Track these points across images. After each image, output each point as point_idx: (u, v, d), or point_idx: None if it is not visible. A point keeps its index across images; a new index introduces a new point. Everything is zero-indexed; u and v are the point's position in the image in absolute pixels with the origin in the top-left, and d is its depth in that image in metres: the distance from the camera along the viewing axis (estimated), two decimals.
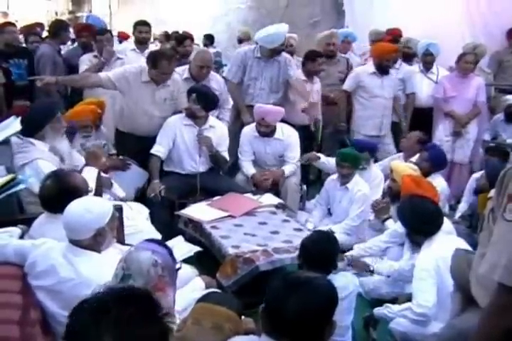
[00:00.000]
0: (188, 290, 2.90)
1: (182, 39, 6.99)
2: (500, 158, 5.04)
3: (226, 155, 5.02)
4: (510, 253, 1.56)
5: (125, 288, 1.55)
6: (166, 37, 10.96)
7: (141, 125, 4.95)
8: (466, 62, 5.98)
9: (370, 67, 6.10)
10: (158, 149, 4.82)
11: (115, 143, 5.22)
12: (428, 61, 6.44)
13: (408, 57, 6.73)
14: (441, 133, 6.06)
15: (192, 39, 7.26)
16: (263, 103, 5.40)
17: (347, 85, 6.17)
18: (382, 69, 5.99)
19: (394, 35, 7.06)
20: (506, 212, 1.61)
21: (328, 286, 1.97)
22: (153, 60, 4.80)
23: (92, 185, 3.49)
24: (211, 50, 8.68)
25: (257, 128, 5.16)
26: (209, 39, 10.82)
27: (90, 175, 3.61)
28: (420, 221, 3.54)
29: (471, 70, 6.03)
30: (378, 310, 3.44)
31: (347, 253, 4.30)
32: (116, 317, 1.38)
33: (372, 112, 6.06)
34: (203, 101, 4.78)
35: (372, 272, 3.98)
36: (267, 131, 5.12)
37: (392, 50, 6.12)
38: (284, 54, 5.74)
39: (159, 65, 4.76)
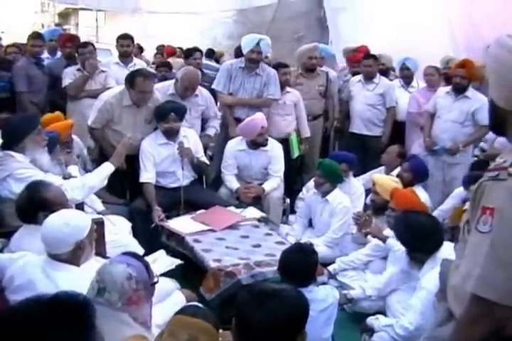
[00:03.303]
0: (169, 304, 2.89)
1: (191, 52, 7.09)
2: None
3: (205, 159, 5.07)
4: (482, 265, 1.59)
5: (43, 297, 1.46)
6: (139, 49, 11.05)
7: None
8: (426, 75, 6.17)
9: (447, 87, 5.81)
10: (148, 177, 4.81)
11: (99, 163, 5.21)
12: (406, 75, 6.51)
13: (382, 73, 6.69)
14: (418, 149, 5.88)
15: (201, 52, 7.29)
16: (245, 115, 5.45)
17: (429, 106, 5.86)
18: (455, 88, 5.61)
19: (362, 52, 6.99)
20: (480, 224, 1.64)
21: (296, 297, 1.96)
22: (130, 79, 4.80)
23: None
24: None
25: (256, 142, 5.16)
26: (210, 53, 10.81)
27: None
28: (417, 239, 3.42)
29: (437, 82, 6.09)
30: (370, 320, 3.48)
31: (329, 267, 4.32)
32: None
33: (432, 134, 5.77)
34: (181, 115, 4.84)
35: (351, 301, 3.98)
36: (265, 140, 5.18)
37: (458, 65, 5.66)
38: (269, 69, 5.75)
39: (135, 82, 4.75)
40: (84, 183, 3.68)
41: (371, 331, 3.47)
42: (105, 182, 3.87)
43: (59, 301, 1.42)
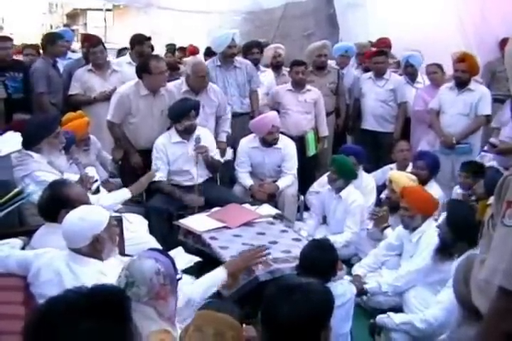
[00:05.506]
0: (208, 281, 2.96)
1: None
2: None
3: (219, 157, 5.09)
4: (509, 258, 1.59)
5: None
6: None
7: (142, 139, 5.06)
8: (429, 73, 6.15)
9: (451, 81, 5.80)
10: (159, 175, 4.83)
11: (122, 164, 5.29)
12: (409, 72, 6.49)
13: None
14: (426, 147, 5.86)
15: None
16: (238, 109, 5.65)
17: (433, 104, 5.85)
18: (457, 82, 5.65)
19: (383, 45, 7.01)
20: (505, 218, 1.63)
21: (321, 291, 1.99)
22: (143, 66, 4.90)
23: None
24: None
25: (266, 140, 5.22)
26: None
27: None
28: (469, 229, 3.36)
29: (441, 79, 6.07)
30: (381, 318, 3.47)
31: (357, 272, 4.26)
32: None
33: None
34: (198, 112, 4.90)
35: (366, 294, 3.97)
36: (277, 137, 5.24)
37: (458, 59, 5.61)
38: (244, 61, 5.88)
39: (150, 67, 4.84)
40: (98, 200, 3.71)
41: (379, 329, 3.47)
42: (119, 206, 3.93)
43: (97, 293, 1.44)
